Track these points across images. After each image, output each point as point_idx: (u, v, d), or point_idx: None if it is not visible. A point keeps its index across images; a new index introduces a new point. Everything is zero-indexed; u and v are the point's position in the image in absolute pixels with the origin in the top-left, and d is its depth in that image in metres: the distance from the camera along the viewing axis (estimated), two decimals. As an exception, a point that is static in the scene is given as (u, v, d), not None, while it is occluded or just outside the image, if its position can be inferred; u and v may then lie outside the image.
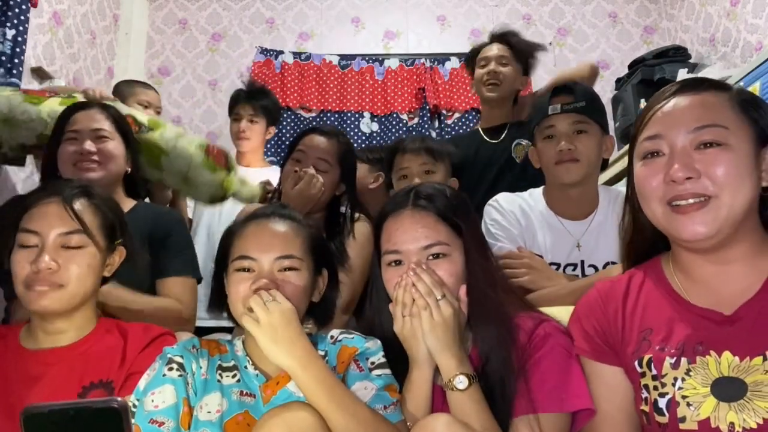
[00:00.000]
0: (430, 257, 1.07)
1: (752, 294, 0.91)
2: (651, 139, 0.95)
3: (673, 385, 0.90)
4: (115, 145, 1.60)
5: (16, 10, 2.33)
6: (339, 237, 1.68)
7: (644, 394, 0.94)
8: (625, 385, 0.99)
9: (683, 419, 0.88)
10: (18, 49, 2.32)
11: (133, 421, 0.99)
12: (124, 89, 2.66)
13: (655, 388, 0.92)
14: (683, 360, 0.91)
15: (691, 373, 0.90)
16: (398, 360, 1.08)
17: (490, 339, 1.04)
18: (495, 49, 2.15)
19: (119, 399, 0.71)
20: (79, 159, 1.55)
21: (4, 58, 2.29)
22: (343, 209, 1.78)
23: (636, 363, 0.96)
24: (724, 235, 0.90)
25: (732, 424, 0.84)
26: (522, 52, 2.17)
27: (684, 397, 0.89)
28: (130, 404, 1.01)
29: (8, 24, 2.31)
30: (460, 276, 1.08)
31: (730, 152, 0.89)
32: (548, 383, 0.99)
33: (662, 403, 0.91)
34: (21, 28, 2.34)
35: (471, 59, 2.24)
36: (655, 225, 0.98)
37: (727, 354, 0.88)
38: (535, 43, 2.26)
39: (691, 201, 0.90)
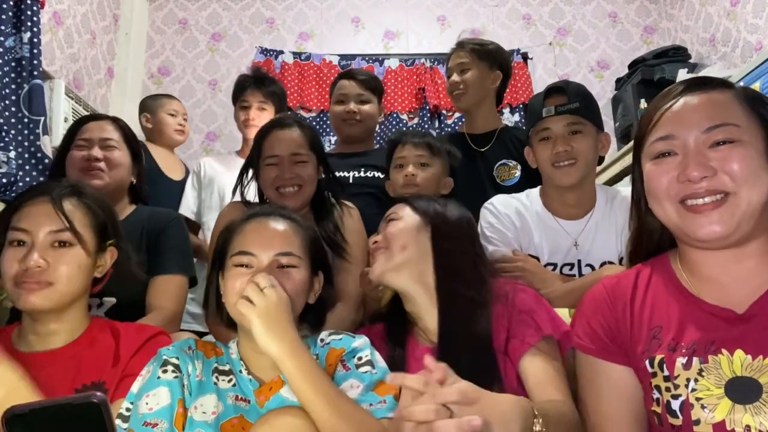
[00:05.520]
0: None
1: (764, 291, 0.90)
2: (663, 139, 0.94)
3: (686, 386, 0.89)
4: (121, 155, 1.63)
5: (29, 13, 2.36)
6: (332, 222, 1.65)
7: (655, 395, 0.93)
8: (632, 385, 0.97)
9: (698, 422, 0.87)
10: (35, 51, 2.36)
11: (127, 425, 0.99)
12: (150, 103, 2.74)
13: (668, 389, 0.91)
14: (695, 360, 0.89)
15: (703, 374, 0.88)
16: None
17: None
18: (455, 58, 2.11)
19: (98, 393, 0.71)
20: (86, 165, 1.58)
21: (24, 62, 2.33)
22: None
23: (647, 363, 0.94)
24: (741, 233, 0.89)
25: (748, 427, 0.83)
26: (484, 50, 2.10)
27: (698, 399, 0.87)
28: (124, 408, 1.01)
29: (23, 28, 2.34)
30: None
31: (743, 148, 0.89)
32: (539, 315, 1.12)
33: (675, 405, 0.89)
34: (35, 29, 2.38)
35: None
36: (666, 225, 0.97)
37: (739, 353, 0.87)
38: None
39: (707, 200, 0.89)
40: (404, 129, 3.61)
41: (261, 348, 0.99)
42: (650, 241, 1.05)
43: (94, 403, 0.70)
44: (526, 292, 1.18)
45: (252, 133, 2.35)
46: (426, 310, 1.19)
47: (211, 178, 2.37)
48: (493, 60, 2.10)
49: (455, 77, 2.08)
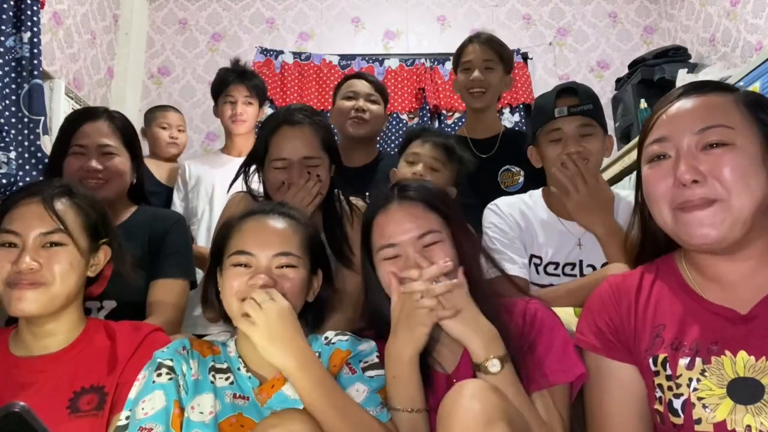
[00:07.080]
0: (425, 247, 1.09)
1: (767, 292, 0.90)
2: (657, 142, 0.95)
3: (688, 386, 0.89)
4: (121, 161, 1.58)
5: (29, 12, 2.36)
6: (341, 228, 1.57)
7: (658, 394, 0.93)
8: (637, 384, 0.98)
9: (699, 421, 0.87)
10: (35, 50, 2.36)
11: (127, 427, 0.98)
12: (147, 116, 2.77)
13: (670, 388, 0.92)
14: (698, 360, 0.90)
15: (706, 374, 0.89)
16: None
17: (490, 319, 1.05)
18: (479, 52, 2.02)
19: (20, 403, 0.70)
20: (85, 176, 1.53)
21: (24, 62, 2.33)
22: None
23: (650, 361, 0.95)
24: (734, 238, 0.89)
25: (749, 427, 0.83)
26: (507, 53, 2.08)
27: (700, 398, 0.88)
28: (123, 417, 1.01)
29: (23, 27, 2.34)
30: (456, 260, 1.09)
31: (736, 152, 0.89)
32: (553, 355, 1.04)
33: (677, 403, 0.90)
34: (35, 29, 2.38)
35: (456, 59, 2.13)
36: (663, 229, 0.97)
37: (742, 354, 0.87)
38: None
39: (698, 203, 0.90)
40: (404, 130, 3.60)
41: (268, 361, 0.98)
42: (654, 244, 1.05)
43: (15, 413, 0.69)
44: (547, 313, 1.11)
45: (240, 129, 2.39)
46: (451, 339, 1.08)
47: (198, 178, 2.36)
48: (509, 64, 2.09)
49: (478, 74, 1.99)
